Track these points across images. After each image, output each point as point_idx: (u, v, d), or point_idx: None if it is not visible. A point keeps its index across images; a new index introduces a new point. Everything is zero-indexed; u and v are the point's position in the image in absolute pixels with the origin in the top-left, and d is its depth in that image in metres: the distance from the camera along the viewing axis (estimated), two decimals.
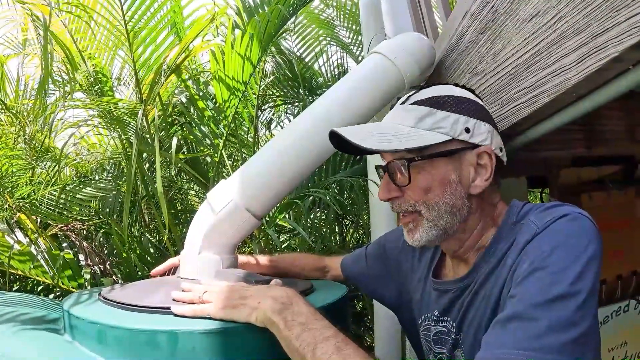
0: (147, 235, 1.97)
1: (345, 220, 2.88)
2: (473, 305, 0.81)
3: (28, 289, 1.76)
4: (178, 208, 2.40)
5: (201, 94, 1.98)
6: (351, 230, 3.05)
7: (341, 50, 2.75)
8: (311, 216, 2.66)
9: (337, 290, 1.05)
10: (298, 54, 2.71)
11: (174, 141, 1.60)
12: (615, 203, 1.94)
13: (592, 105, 0.81)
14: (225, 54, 1.65)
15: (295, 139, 1.11)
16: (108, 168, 2.43)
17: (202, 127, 1.99)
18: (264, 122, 2.93)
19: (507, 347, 0.61)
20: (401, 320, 1.13)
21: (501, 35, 0.95)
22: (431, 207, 0.83)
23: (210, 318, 0.80)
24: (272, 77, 2.37)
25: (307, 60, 2.73)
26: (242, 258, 1.31)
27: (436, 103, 0.85)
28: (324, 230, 2.60)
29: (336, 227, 2.87)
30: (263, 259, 1.35)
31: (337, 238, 2.77)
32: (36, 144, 2.11)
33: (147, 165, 2.15)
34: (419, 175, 0.83)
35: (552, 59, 0.79)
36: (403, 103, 0.89)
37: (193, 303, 0.85)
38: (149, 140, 1.75)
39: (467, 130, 0.83)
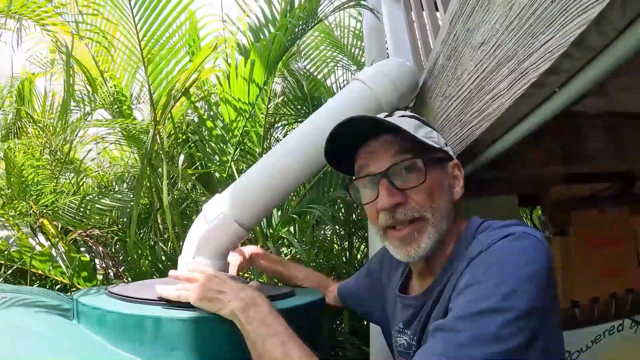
0: (161, 244, 2.10)
1: (356, 236, 2.95)
2: (430, 320, 0.86)
3: (47, 287, 1.92)
4: (193, 219, 2.54)
5: (212, 114, 2.13)
6: (362, 247, 3.10)
7: (348, 71, 2.89)
8: (321, 232, 2.76)
9: (312, 295, 1.15)
10: (307, 74, 2.84)
11: (181, 157, 1.74)
12: (609, 220, 1.95)
13: (531, 126, 0.89)
14: (230, 77, 1.80)
15: (279, 158, 1.23)
16: (127, 181, 2.61)
17: (212, 144, 2.13)
18: (277, 139, 3.07)
19: (432, 355, 0.65)
20: (383, 334, 1.19)
21: (461, 61, 1.05)
22: (436, 210, 0.85)
23: (190, 305, 0.92)
24: (281, 97, 2.52)
25: (317, 79, 2.86)
26: (256, 249, 1.44)
27: (418, 120, 0.94)
28: (329, 245, 2.68)
29: (346, 244, 2.94)
30: (274, 258, 1.47)
31: (345, 254, 2.84)
32: (60, 156, 2.30)
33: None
34: (429, 176, 0.85)
35: (492, 85, 0.87)
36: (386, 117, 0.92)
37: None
38: (162, 156, 1.91)
39: (446, 144, 0.94)
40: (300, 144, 1.23)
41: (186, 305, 0.93)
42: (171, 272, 1.10)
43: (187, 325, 0.89)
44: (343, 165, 1.00)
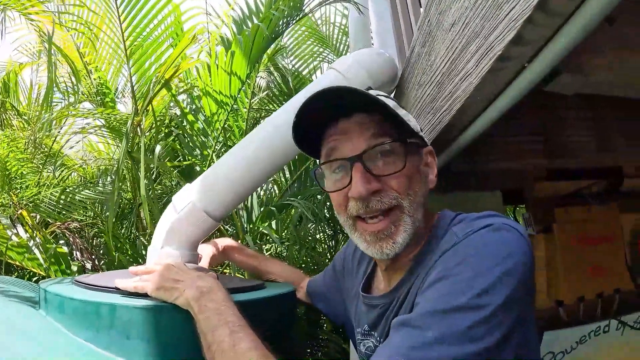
0: (142, 238, 2.07)
1: (342, 234, 2.91)
2: None
3: (25, 279, 1.89)
4: None
5: (194, 107, 2.11)
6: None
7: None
8: (304, 230, 2.73)
9: (281, 288, 1.13)
10: (293, 70, 2.82)
11: (157, 148, 1.71)
12: (597, 217, 1.91)
13: (503, 107, 0.86)
14: (211, 69, 1.78)
15: (250, 148, 1.21)
16: (111, 175, 2.58)
17: (193, 138, 2.11)
18: None
19: (394, 354, 0.60)
20: (349, 336, 1.13)
21: (434, 46, 1.02)
22: (412, 197, 0.76)
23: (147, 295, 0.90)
24: (266, 92, 2.49)
25: (303, 75, 2.83)
26: (231, 242, 1.40)
27: (395, 101, 0.85)
28: (311, 242, 2.65)
29: (332, 242, 2.91)
30: (250, 252, 1.43)
31: (330, 252, 2.80)
32: (45, 149, 2.27)
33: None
34: (408, 162, 0.76)
35: (461, 66, 0.85)
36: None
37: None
38: (141, 147, 1.88)
39: (421, 129, 0.86)
40: (272, 132, 1.20)
41: (145, 296, 0.90)
42: (131, 269, 1.05)
43: (143, 313, 0.86)
44: (314, 149, 0.88)
